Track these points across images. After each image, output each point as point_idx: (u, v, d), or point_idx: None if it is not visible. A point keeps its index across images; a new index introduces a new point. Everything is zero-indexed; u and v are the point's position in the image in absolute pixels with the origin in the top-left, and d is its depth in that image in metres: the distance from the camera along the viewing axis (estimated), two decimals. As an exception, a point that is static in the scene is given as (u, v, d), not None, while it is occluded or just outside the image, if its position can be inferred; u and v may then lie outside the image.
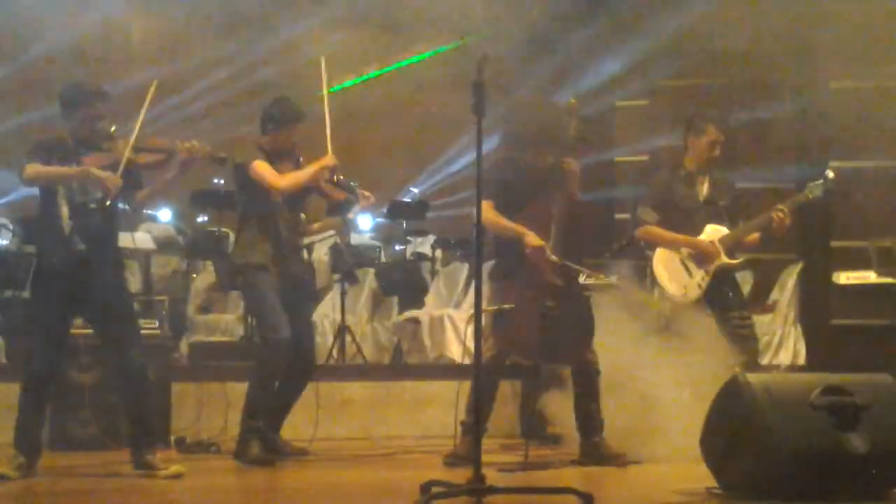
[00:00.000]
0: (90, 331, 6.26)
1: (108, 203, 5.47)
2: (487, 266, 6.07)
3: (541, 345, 5.65)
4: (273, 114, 6.32)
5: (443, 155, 12.22)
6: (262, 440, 6.10)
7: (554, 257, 5.84)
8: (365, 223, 11.77)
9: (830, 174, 6.64)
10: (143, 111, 5.58)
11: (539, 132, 6.04)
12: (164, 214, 11.44)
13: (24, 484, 5.32)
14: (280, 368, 6.18)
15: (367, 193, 6.39)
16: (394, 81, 12.83)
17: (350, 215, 6.52)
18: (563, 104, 6.13)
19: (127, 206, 5.78)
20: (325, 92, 6.35)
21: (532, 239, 5.83)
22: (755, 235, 6.59)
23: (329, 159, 6.21)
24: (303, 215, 6.38)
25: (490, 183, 5.75)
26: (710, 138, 6.61)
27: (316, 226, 6.74)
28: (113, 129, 5.60)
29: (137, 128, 5.55)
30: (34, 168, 5.46)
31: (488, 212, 5.88)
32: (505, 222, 5.91)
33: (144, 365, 5.68)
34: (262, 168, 6.15)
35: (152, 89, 5.65)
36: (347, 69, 12.39)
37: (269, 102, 6.41)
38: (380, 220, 11.93)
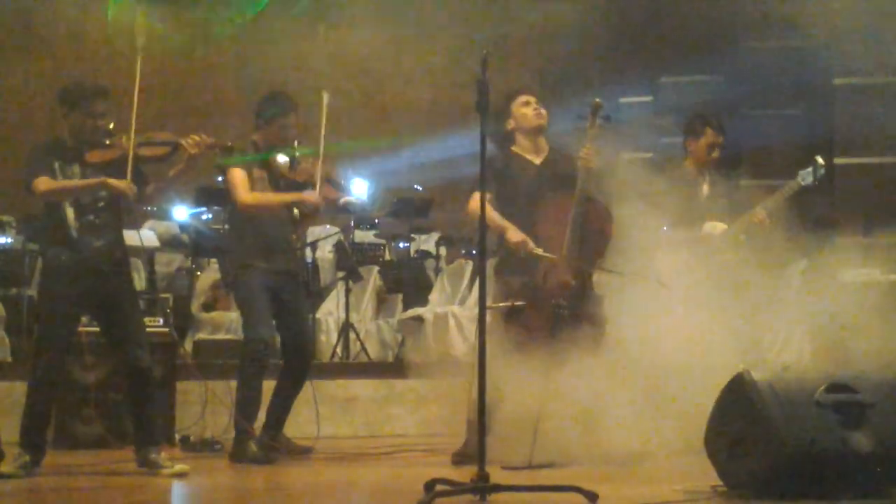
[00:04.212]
0: (94, 329, 6.28)
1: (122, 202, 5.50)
2: (492, 262, 6.08)
3: (551, 343, 5.65)
4: (262, 108, 6.31)
5: (447, 150, 12.23)
6: (257, 438, 6.11)
7: (538, 250, 5.84)
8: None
9: (820, 160, 6.66)
10: (135, 92, 5.55)
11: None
12: (180, 213, 11.45)
13: (29, 482, 5.33)
14: (262, 368, 6.17)
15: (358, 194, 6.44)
16: (400, 79, 12.87)
17: (342, 202, 6.49)
18: (588, 102, 6.12)
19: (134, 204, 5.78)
20: (322, 129, 6.28)
21: (512, 234, 5.83)
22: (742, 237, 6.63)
23: (313, 196, 6.17)
24: (295, 211, 6.34)
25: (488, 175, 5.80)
26: (708, 140, 6.69)
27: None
28: (112, 125, 5.60)
29: (133, 117, 5.53)
30: (45, 183, 5.44)
31: (477, 204, 5.91)
32: (493, 215, 5.83)
33: (149, 364, 5.69)
34: (234, 177, 6.14)
35: (138, 65, 5.60)
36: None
37: (261, 98, 6.41)
38: (384, 217, 11.94)
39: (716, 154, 6.69)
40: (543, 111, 6.19)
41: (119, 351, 5.71)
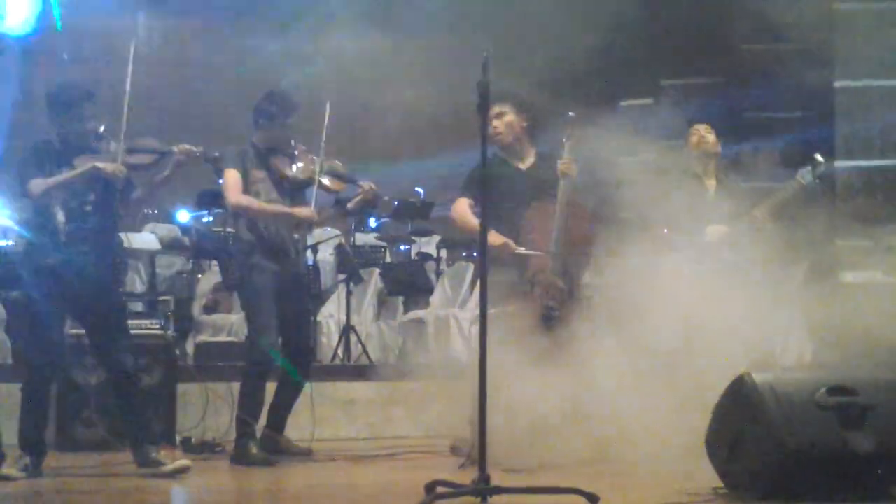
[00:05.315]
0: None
1: (114, 193, 5.50)
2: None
3: (542, 345, 5.68)
4: (265, 108, 6.26)
5: (448, 153, 12.26)
6: (258, 441, 6.11)
7: (521, 249, 5.94)
8: (370, 222, 11.80)
9: (819, 158, 6.64)
10: (125, 101, 5.55)
11: None
12: (182, 215, 11.49)
13: (30, 484, 5.33)
14: (268, 370, 6.18)
15: (368, 185, 6.40)
16: (399, 80, 12.86)
17: (351, 205, 6.49)
18: (563, 116, 6.19)
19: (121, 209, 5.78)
20: (323, 136, 6.29)
21: (494, 237, 5.88)
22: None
23: (306, 213, 6.19)
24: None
25: (471, 182, 6.05)
26: (695, 136, 6.70)
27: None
28: (102, 128, 5.60)
29: (124, 123, 5.53)
30: (39, 185, 5.44)
31: (461, 207, 6.11)
32: (471, 219, 6.03)
33: (132, 365, 5.68)
34: (227, 177, 6.13)
35: (131, 56, 5.58)
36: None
37: (261, 96, 6.35)
38: (385, 219, 11.96)
39: (709, 146, 6.70)
40: (505, 120, 6.19)
41: (103, 355, 5.70)
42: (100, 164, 5.43)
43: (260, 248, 6.18)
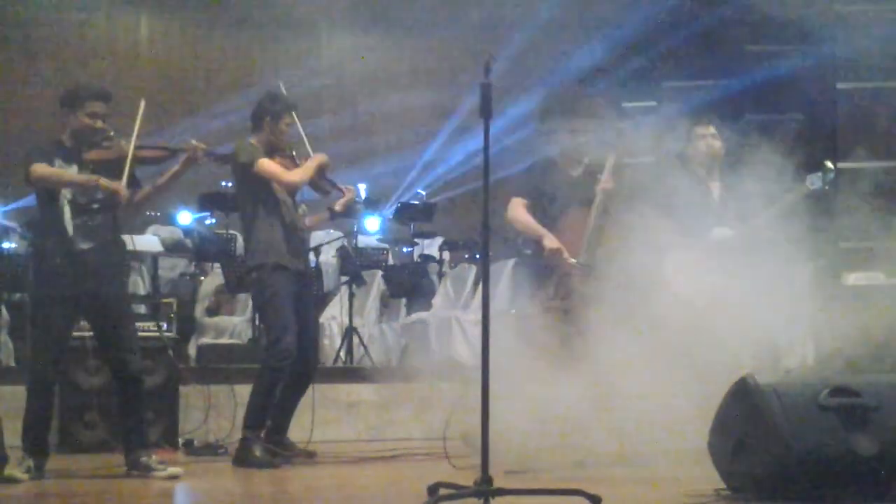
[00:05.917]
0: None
1: (115, 204, 5.52)
2: (508, 265, 6.20)
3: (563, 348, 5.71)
4: (267, 107, 6.31)
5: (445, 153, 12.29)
6: (263, 444, 6.10)
7: (572, 259, 5.95)
8: (373, 225, 11.81)
9: (829, 164, 6.66)
10: (136, 125, 5.60)
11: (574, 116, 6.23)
12: (184, 217, 11.48)
13: (33, 486, 5.33)
14: (283, 375, 6.17)
15: (349, 188, 6.46)
16: (399, 83, 12.88)
17: (338, 207, 6.53)
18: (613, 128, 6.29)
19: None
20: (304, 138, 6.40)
21: (549, 241, 5.94)
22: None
23: (324, 157, 6.31)
24: (303, 207, 6.38)
25: (526, 182, 6.23)
26: (703, 142, 6.69)
27: (308, 221, 6.64)
28: (112, 132, 5.62)
29: (137, 125, 5.57)
30: (41, 168, 5.45)
31: (518, 208, 6.16)
32: (531, 221, 6.16)
33: (140, 369, 5.67)
34: (269, 165, 6.14)
35: (140, 109, 5.66)
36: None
37: (264, 97, 6.41)
38: (387, 221, 11.96)
39: (716, 148, 6.70)
40: (580, 139, 6.27)
41: (109, 355, 5.70)
42: (103, 180, 5.44)
43: (282, 247, 6.17)
